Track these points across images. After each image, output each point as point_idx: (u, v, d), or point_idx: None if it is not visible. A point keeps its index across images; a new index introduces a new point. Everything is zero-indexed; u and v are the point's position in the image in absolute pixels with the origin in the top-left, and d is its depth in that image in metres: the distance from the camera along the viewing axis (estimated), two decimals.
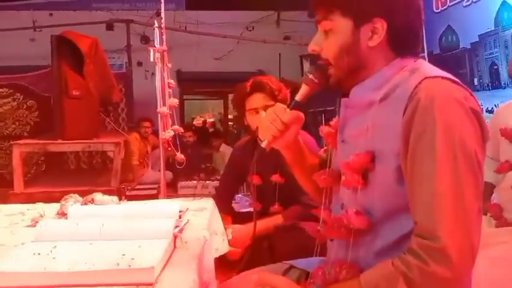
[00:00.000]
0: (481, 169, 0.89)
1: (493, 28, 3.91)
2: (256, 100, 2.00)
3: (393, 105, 0.94)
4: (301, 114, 1.10)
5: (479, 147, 0.89)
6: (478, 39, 4.14)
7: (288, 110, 1.08)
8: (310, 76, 1.06)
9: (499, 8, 3.84)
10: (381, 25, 0.97)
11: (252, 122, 2.04)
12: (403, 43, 1.00)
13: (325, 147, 1.23)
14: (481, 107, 4.04)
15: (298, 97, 1.09)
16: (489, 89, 4.06)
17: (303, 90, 1.08)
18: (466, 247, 0.83)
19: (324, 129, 1.18)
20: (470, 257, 0.85)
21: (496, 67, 3.98)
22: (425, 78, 0.92)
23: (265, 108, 1.96)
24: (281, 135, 1.08)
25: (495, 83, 3.99)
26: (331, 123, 1.18)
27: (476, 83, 4.23)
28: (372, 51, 1.00)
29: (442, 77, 0.93)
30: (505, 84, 3.86)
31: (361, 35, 0.99)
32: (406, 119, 0.90)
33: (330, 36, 1.01)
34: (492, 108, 4.00)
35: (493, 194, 2.06)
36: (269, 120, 1.08)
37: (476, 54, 4.21)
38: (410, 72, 0.97)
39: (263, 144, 1.09)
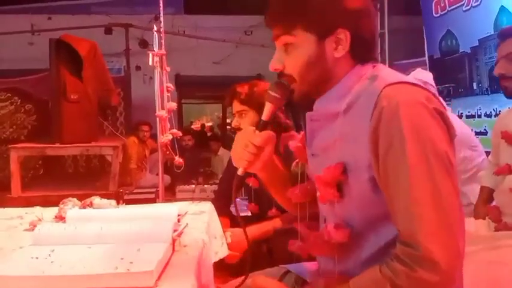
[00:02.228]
0: (453, 168, 0.89)
1: (492, 32, 3.92)
2: (234, 106, 2.10)
3: (358, 116, 0.93)
4: (272, 133, 1.07)
5: (449, 147, 0.89)
6: (477, 44, 4.15)
7: (257, 131, 1.05)
8: (272, 93, 1.03)
9: (497, 13, 3.86)
10: (344, 35, 0.97)
11: (235, 123, 2.14)
12: (365, 51, 1.00)
13: (297, 160, 1.21)
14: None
15: (264, 117, 1.06)
16: (488, 94, 4.07)
17: (268, 108, 1.05)
18: (452, 249, 0.83)
19: (292, 144, 1.17)
20: (458, 258, 0.84)
21: None
22: (386, 86, 0.91)
23: (239, 113, 2.06)
24: (256, 158, 1.05)
25: (494, 88, 4.00)
26: (299, 137, 1.16)
27: (475, 87, 4.24)
28: (337, 62, 0.99)
29: (402, 82, 0.93)
30: (499, 87, 3.86)
31: (326, 47, 0.98)
32: (372, 129, 0.89)
33: (293, 52, 1.00)
34: (490, 112, 4.00)
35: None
36: (241, 147, 1.05)
37: (476, 58, 4.21)
38: (370, 80, 0.96)
39: (239, 172, 1.06)
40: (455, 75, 4.45)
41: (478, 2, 4.08)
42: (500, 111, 3.84)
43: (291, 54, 1.00)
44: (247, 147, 1.04)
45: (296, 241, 1.11)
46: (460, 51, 4.42)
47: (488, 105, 4.03)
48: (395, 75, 0.96)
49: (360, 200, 0.95)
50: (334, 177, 0.94)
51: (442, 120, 0.90)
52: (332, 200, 0.96)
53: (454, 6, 4.42)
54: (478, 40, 4.12)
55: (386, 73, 0.98)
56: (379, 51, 6.42)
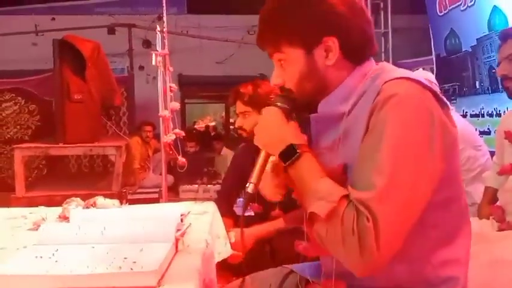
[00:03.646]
0: (426, 168, 0.88)
1: (487, 32, 3.92)
2: (238, 107, 2.12)
3: (359, 116, 0.94)
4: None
5: (429, 147, 0.88)
6: (476, 43, 4.15)
7: None
8: (283, 105, 1.03)
9: (490, 13, 3.85)
10: (332, 42, 0.97)
11: (238, 123, 2.14)
12: (358, 52, 1.00)
13: None
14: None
15: None
16: (489, 93, 4.07)
17: None
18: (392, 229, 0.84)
19: None
20: (394, 240, 0.85)
21: (494, 71, 3.99)
22: (385, 82, 0.92)
23: (242, 114, 2.08)
24: None
25: (494, 87, 4.00)
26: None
27: (478, 86, 4.23)
28: (331, 69, 1.00)
29: (401, 78, 0.93)
30: (501, 88, 3.87)
31: (315, 58, 0.99)
32: (366, 122, 0.91)
33: (287, 68, 1.03)
34: (492, 112, 3.99)
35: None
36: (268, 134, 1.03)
37: (476, 57, 4.22)
38: (372, 80, 0.97)
39: (250, 190, 1.04)
40: (460, 74, 4.45)
41: (473, 2, 4.08)
42: (500, 110, 3.85)
43: (286, 69, 1.03)
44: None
45: (302, 242, 1.11)
46: (463, 50, 4.41)
47: (489, 105, 4.03)
48: (397, 72, 0.96)
49: None
50: (337, 177, 0.94)
51: (434, 121, 0.89)
52: None
53: (454, 6, 4.43)
54: (476, 39, 4.12)
55: (388, 71, 0.98)
56: (382, 49, 6.41)
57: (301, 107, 1.04)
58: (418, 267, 0.95)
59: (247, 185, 1.03)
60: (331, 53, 0.98)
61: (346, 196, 0.87)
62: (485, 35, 3.97)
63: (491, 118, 3.98)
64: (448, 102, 0.96)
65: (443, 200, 0.95)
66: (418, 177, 0.87)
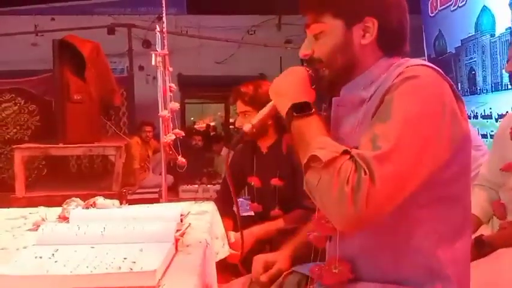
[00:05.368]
0: (432, 153, 0.89)
1: (473, 33, 3.93)
2: (238, 106, 2.12)
3: (377, 97, 0.96)
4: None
5: (438, 130, 0.90)
6: (460, 44, 4.17)
7: None
8: (309, 69, 1.06)
9: (479, 13, 3.85)
10: (372, 23, 1.00)
11: (238, 123, 2.14)
12: (391, 42, 1.03)
13: None
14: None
15: None
16: (468, 95, 4.08)
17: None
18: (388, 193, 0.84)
19: None
20: (386, 201, 0.84)
21: (473, 72, 4.01)
22: (407, 67, 0.95)
23: (243, 114, 2.08)
24: None
25: (472, 89, 4.01)
26: None
27: (459, 88, 4.26)
28: (363, 50, 1.02)
29: (423, 65, 0.96)
30: (479, 90, 3.90)
31: (353, 34, 1.02)
32: (381, 101, 0.93)
33: (322, 38, 1.04)
34: (470, 114, 4.01)
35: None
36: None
37: (458, 59, 4.23)
38: (396, 66, 0.99)
39: (246, 128, 1.06)
40: (447, 75, 4.48)
41: (464, 2, 4.09)
42: (477, 113, 3.86)
43: (320, 40, 1.04)
44: None
45: (312, 232, 1.11)
46: (448, 51, 4.43)
47: (468, 107, 4.05)
48: (421, 61, 0.99)
49: None
50: None
51: (447, 109, 0.91)
52: None
53: (444, 6, 4.43)
54: (461, 41, 4.13)
55: (413, 60, 1.00)
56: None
57: (325, 82, 1.05)
58: (421, 260, 0.96)
59: (245, 125, 1.07)
60: (368, 34, 1.01)
61: (349, 152, 0.88)
62: (469, 36, 3.99)
63: (470, 120, 4.01)
64: (463, 98, 0.98)
65: (450, 196, 0.96)
66: (422, 153, 0.88)
